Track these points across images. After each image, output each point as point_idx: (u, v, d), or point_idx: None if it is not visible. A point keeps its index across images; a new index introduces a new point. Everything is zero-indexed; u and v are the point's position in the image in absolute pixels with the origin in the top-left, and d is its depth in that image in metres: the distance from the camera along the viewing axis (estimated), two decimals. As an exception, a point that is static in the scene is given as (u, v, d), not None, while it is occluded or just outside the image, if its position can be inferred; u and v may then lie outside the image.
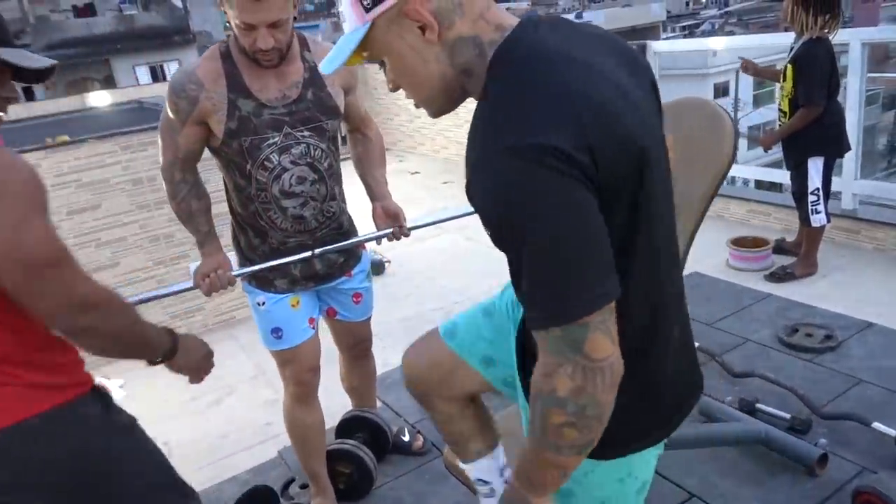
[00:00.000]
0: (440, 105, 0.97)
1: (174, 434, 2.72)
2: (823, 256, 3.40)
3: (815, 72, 3.01)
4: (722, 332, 2.88)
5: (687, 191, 1.52)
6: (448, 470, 1.62)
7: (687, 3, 58.44)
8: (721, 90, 18.21)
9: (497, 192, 0.79)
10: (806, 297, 3.10)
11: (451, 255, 4.23)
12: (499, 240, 0.85)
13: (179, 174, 1.69)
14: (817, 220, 3.21)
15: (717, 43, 4.32)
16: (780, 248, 3.60)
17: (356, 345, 2.12)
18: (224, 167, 1.71)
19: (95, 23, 20.56)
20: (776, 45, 3.49)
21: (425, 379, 1.36)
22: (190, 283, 1.73)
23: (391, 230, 1.88)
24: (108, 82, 19.29)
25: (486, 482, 1.40)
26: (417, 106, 0.99)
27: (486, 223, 0.85)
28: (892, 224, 3.46)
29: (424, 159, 7.19)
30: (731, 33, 32.08)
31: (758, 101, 15.68)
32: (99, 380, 3.09)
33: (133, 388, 3.16)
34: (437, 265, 4.13)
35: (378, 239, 1.89)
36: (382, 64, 0.94)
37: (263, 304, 1.80)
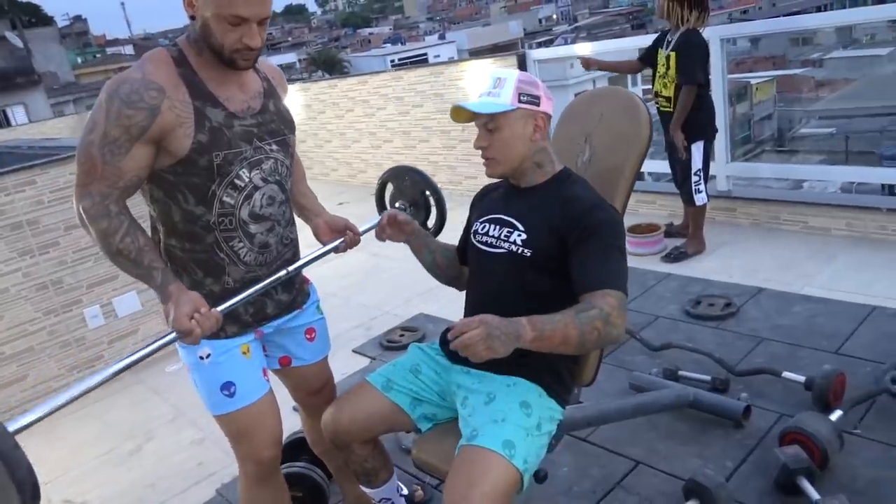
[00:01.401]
0: (504, 172, 1.56)
1: (94, 491, 2.49)
2: (709, 235, 3.71)
3: (695, 54, 3.33)
4: (634, 311, 3.07)
5: (617, 167, 1.64)
6: (418, 468, 1.61)
7: (540, 21, 61.81)
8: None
9: (609, 219, 1.46)
10: (701, 273, 3.37)
11: (361, 272, 4.20)
12: (591, 245, 1.42)
13: (115, 206, 1.35)
14: (700, 199, 3.51)
15: (584, 49, 4.60)
16: (670, 232, 3.88)
17: (320, 389, 1.83)
18: (166, 195, 1.43)
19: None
20: (636, 45, 3.83)
21: (353, 429, 1.62)
22: (172, 334, 1.35)
23: (342, 240, 1.69)
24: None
25: (388, 499, 1.78)
26: (493, 167, 1.55)
27: (590, 234, 1.42)
28: (762, 199, 3.84)
29: (315, 183, 7.07)
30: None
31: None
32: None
33: (37, 451, 2.86)
34: (349, 284, 4.09)
35: (334, 251, 1.71)
36: (486, 127, 1.52)
37: (208, 356, 1.50)
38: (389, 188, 1.96)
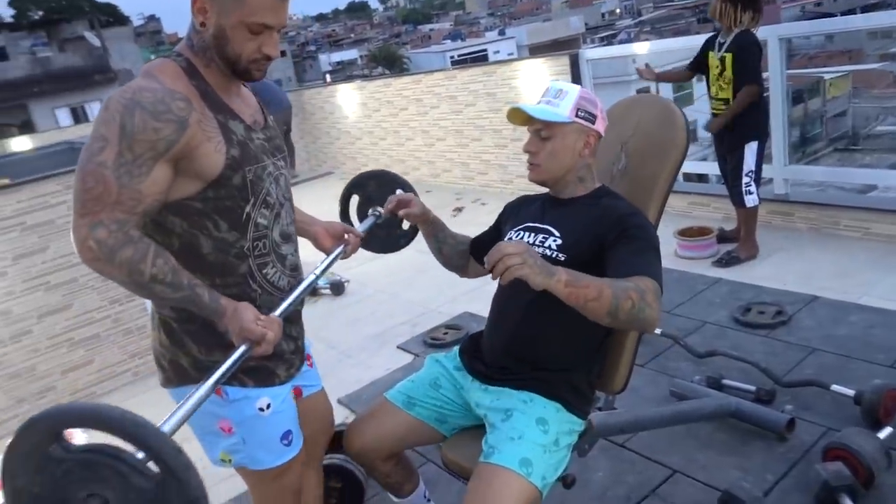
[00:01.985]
0: (546, 180, 1.59)
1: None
2: (764, 239, 3.60)
3: (753, 55, 3.27)
4: (681, 317, 3.02)
5: (652, 175, 1.63)
6: (447, 467, 1.64)
7: (603, 15, 60.75)
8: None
9: (646, 225, 1.48)
10: (754, 279, 3.28)
11: (409, 269, 4.26)
12: (627, 245, 1.41)
13: (136, 231, 1.18)
14: (751, 200, 3.42)
15: (642, 48, 4.53)
16: (722, 236, 3.79)
17: (329, 427, 1.70)
18: (192, 226, 1.26)
19: (7, 67, 19.76)
20: (693, 45, 3.73)
21: (376, 448, 1.63)
22: (242, 348, 1.24)
23: (342, 246, 1.60)
24: (27, 127, 18.54)
25: None
26: (538, 173, 1.58)
27: (626, 235, 1.42)
28: (821, 204, 3.70)
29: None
30: (647, 40, 33.47)
31: (679, 102, 16.38)
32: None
33: (97, 435, 3.04)
34: (397, 280, 4.16)
35: (337, 258, 1.61)
36: (539, 134, 1.55)
37: (269, 406, 1.37)
38: (355, 200, 1.85)
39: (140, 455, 0.94)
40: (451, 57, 31.84)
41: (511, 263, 1.18)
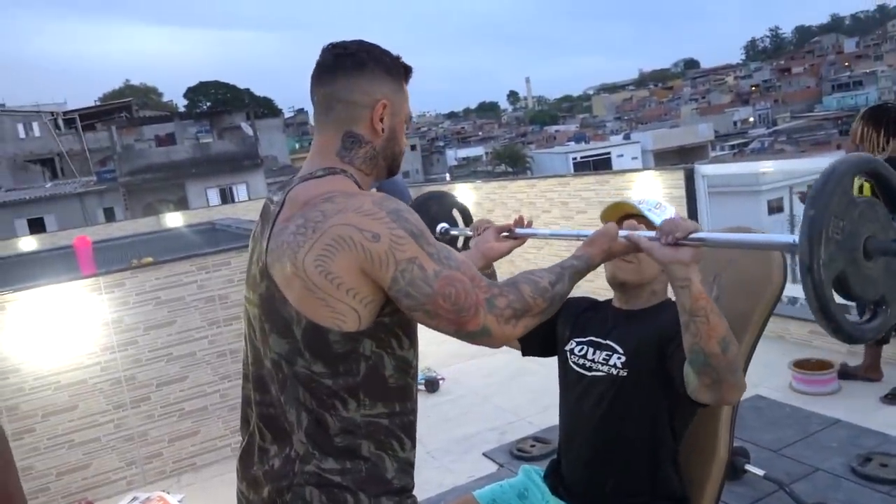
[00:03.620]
0: (630, 280, 1.59)
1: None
2: (893, 382, 3.28)
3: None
4: (790, 459, 2.77)
5: (745, 313, 1.59)
6: None
7: (735, 123, 59.69)
8: (774, 207, 18.18)
9: None
10: (878, 424, 2.97)
11: (504, 373, 4.24)
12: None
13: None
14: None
15: (764, 166, 4.42)
16: (846, 372, 3.49)
17: None
18: (379, 345, 1.11)
19: (175, 150, 22.35)
20: (820, 167, 3.59)
21: None
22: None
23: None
24: (181, 203, 20.65)
25: None
26: (628, 272, 1.58)
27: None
28: (965, 347, 3.34)
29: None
30: (782, 151, 32.36)
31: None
32: (159, 493, 3.14)
33: (193, 502, 3.20)
34: (492, 383, 4.14)
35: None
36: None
37: None
38: None
39: None
40: (574, 158, 32.34)
41: (687, 227, 1.17)
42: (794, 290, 4.12)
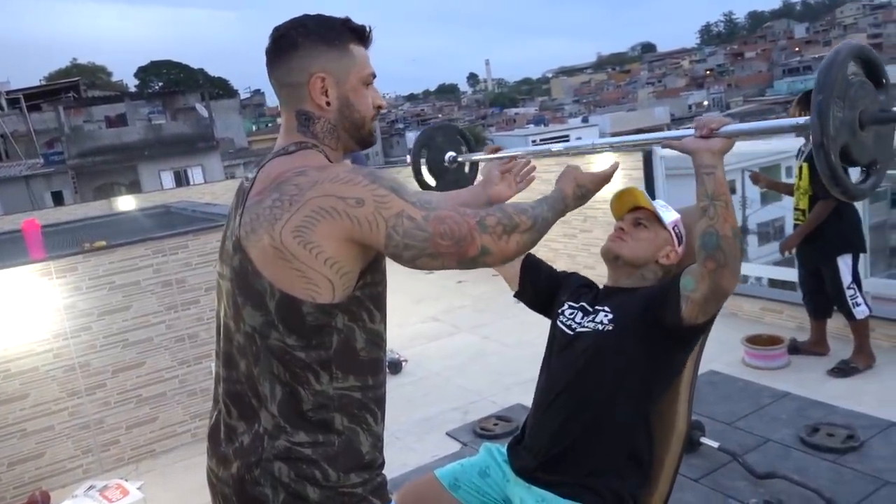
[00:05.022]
0: (623, 255, 1.63)
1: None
2: (839, 356, 3.42)
3: None
4: (742, 431, 2.88)
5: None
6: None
7: (690, 107, 60.78)
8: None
9: None
10: (825, 396, 3.10)
11: (466, 353, 4.27)
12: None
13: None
14: (861, 312, 3.29)
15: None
16: (795, 347, 3.62)
17: None
18: (351, 319, 1.11)
19: (126, 132, 21.64)
20: (775, 148, 3.68)
21: None
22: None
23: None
24: (134, 186, 20.06)
25: None
26: (621, 246, 1.63)
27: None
28: (905, 321, 3.49)
29: (439, 259, 7.34)
30: (735, 135, 33.10)
31: (765, 199, 15.95)
32: (117, 481, 3.08)
33: (152, 489, 3.15)
34: (454, 364, 4.17)
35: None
36: (637, 221, 1.64)
37: None
38: (424, 155, 2.08)
39: None
40: (534, 141, 32.49)
41: (719, 121, 1.30)
42: (745, 268, 4.24)
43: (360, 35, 1.20)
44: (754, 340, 3.63)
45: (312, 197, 1.05)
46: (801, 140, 3.52)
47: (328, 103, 1.18)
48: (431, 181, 2.09)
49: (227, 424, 1.17)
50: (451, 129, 2.14)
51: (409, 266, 1.11)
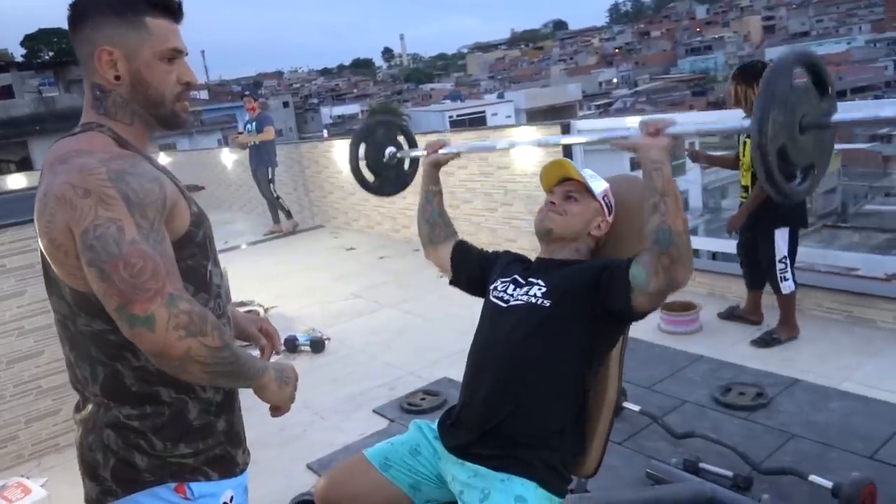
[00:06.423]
0: (556, 230, 1.64)
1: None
2: (772, 326, 3.57)
3: None
4: (660, 394, 2.98)
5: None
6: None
7: (600, 84, 62.55)
8: (636, 163, 19.28)
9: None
10: (735, 358, 3.26)
11: (390, 330, 4.22)
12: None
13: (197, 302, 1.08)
14: (787, 286, 3.36)
15: (633, 122, 4.61)
16: (731, 314, 3.76)
17: None
18: None
19: (14, 105, 20.02)
20: (689, 121, 3.79)
21: (344, 500, 1.61)
22: None
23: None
24: (24, 164, 18.65)
25: None
26: (553, 220, 1.64)
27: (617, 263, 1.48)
28: (804, 285, 3.70)
29: (360, 235, 7.23)
30: (642, 111, 34.41)
31: (673, 171, 16.67)
32: (17, 479, 2.85)
33: (57, 486, 2.94)
34: (378, 341, 4.11)
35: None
36: (568, 194, 1.66)
37: (231, 500, 1.22)
38: (362, 149, 2.06)
39: None
40: (450, 117, 32.50)
41: (664, 122, 1.35)
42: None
43: (165, 7, 1.15)
44: (669, 307, 3.75)
45: (54, 186, 1.03)
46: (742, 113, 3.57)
47: (117, 77, 1.13)
48: (370, 177, 2.04)
49: (80, 393, 1.22)
50: (393, 124, 2.10)
51: (84, 270, 1.01)
